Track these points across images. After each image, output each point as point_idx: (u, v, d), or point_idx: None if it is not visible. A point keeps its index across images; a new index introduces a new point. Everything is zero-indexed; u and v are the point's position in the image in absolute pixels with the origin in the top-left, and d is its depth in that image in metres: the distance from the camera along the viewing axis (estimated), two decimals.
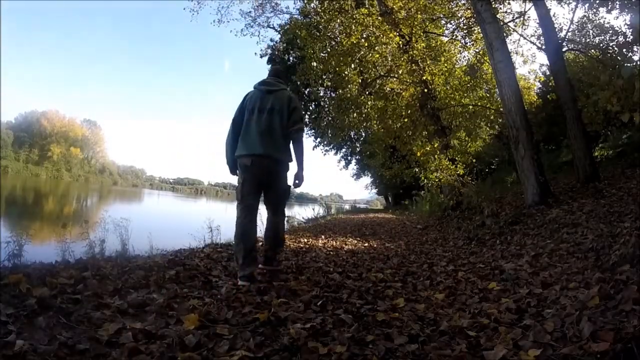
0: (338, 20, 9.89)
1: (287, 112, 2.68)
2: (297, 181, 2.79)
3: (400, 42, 9.36)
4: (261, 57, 19.20)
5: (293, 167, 2.81)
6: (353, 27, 9.30)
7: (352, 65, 10.01)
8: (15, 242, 3.31)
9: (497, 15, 7.42)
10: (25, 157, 54.29)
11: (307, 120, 20.47)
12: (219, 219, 5.58)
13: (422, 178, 9.52)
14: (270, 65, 3.00)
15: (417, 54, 9.33)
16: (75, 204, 20.83)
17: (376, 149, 15.97)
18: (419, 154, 9.29)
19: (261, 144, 2.62)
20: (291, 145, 2.77)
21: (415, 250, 4.92)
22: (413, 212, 13.85)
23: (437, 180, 8.92)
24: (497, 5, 8.48)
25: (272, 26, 15.61)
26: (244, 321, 1.82)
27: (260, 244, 3.09)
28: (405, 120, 9.84)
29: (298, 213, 13.15)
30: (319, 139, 19.94)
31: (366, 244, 5.50)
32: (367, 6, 9.84)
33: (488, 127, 10.51)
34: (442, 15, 9.85)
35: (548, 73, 10.24)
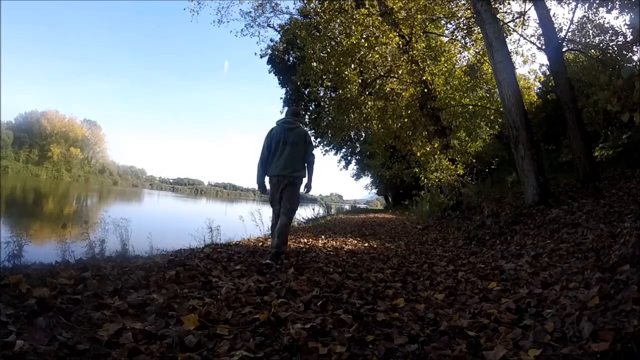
0: (338, 21, 9.88)
1: (304, 145, 3.77)
2: (306, 188, 3.91)
3: (400, 42, 9.36)
4: (261, 57, 19.26)
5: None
6: (353, 27, 9.29)
7: (352, 66, 9.99)
8: (15, 242, 3.32)
9: (497, 15, 7.41)
10: (25, 157, 54.18)
11: (307, 120, 20.58)
12: (219, 219, 5.59)
13: (422, 178, 9.51)
14: (287, 108, 4.39)
15: (417, 54, 9.32)
16: (75, 204, 20.83)
17: (376, 149, 15.95)
18: (419, 154, 9.28)
19: (285, 167, 3.69)
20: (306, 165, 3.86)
21: (415, 251, 4.92)
22: (413, 212, 13.85)
23: (437, 180, 8.91)
24: (497, 5, 8.48)
25: (272, 26, 15.56)
26: (244, 321, 1.82)
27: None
28: (405, 120, 9.83)
29: (298, 213, 13.13)
30: (319, 139, 19.93)
31: (366, 244, 5.50)
32: (367, 6, 9.81)
33: (488, 127, 10.51)
34: (442, 16, 9.84)
35: (548, 73, 10.25)
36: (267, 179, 3.82)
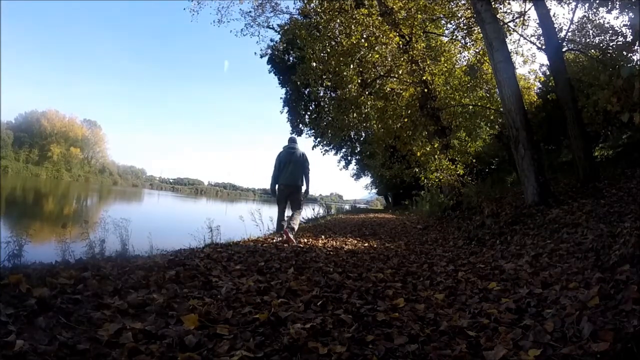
0: (338, 20, 9.88)
1: (302, 162, 5.35)
2: (305, 194, 5.45)
3: (400, 42, 9.36)
4: (261, 57, 19.26)
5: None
6: (353, 27, 9.29)
7: (352, 66, 9.99)
8: (15, 242, 3.32)
9: (497, 15, 7.41)
10: (25, 157, 54.16)
11: (307, 120, 20.61)
12: (219, 219, 5.59)
13: (422, 178, 9.51)
14: (289, 137, 5.85)
15: (417, 54, 9.32)
16: (75, 204, 20.83)
17: (376, 149, 15.96)
18: (419, 154, 9.29)
19: (289, 178, 5.29)
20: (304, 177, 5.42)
21: (415, 251, 4.92)
22: (413, 212, 13.85)
23: (437, 180, 8.91)
24: (497, 5, 8.48)
25: (271, 27, 15.55)
26: (244, 321, 1.82)
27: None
28: (405, 120, 9.84)
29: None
30: (319, 139, 19.93)
31: (366, 244, 5.50)
32: (367, 6, 9.82)
33: (488, 127, 10.50)
34: (442, 15, 9.84)
35: (548, 73, 10.24)
36: (276, 186, 5.37)
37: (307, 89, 17.11)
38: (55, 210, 15.74)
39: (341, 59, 9.62)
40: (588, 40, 8.54)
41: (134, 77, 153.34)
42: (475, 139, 10.68)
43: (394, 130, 10.31)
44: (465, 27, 9.61)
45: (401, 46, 9.42)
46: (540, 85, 11.29)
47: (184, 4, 19.76)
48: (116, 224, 4.43)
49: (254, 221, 6.95)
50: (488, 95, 9.62)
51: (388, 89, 10.41)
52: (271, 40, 19.23)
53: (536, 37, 8.59)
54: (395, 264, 3.79)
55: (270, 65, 20.57)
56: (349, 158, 26.41)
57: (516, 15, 9.05)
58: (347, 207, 29.81)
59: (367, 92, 10.87)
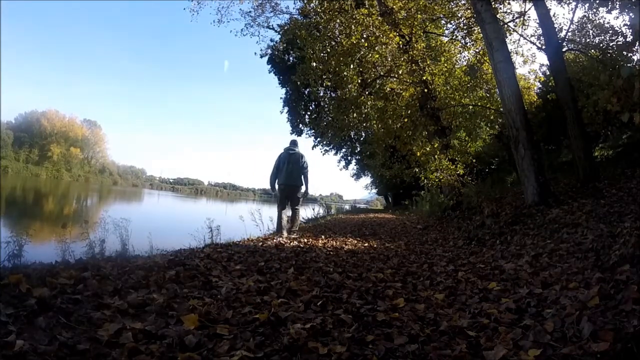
0: (338, 20, 9.87)
1: (300, 164, 5.76)
2: (305, 194, 5.92)
3: (400, 42, 9.36)
4: (261, 57, 19.24)
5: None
6: (353, 27, 9.29)
7: (352, 66, 9.98)
8: (15, 242, 3.32)
9: (497, 15, 7.41)
10: (25, 157, 54.15)
11: (307, 120, 20.63)
12: (219, 219, 5.59)
13: (422, 178, 9.51)
14: (290, 140, 6.22)
15: (417, 54, 9.32)
16: (75, 204, 20.82)
17: (376, 149, 15.95)
18: (418, 154, 9.28)
19: (288, 178, 5.71)
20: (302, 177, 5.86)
21: (415, 251, 4.92)
22: (413, 212, 13.85)
23: (437, 180, 8.91)
24: (497, 5, 8.47)
25: (271, 27, 15.54)
26: (244, 321, 1.82)
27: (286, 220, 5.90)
28: (405, 120, 9.83)
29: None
30: (318, 139, 19.92)
31: (366, 244, 5.49)
32: (367, 6, 9.81)
33: (488, 127, 10.50)
34: (442, 15, 9.84)
35: (548, 73, 10.24)
36: (276, 186, 5.79)
37: (307, 89, 17.10)
38: (55, 210, 15.74)
39: (341, 59, 9.62)
40: (588, 40, 8.53)
41: (134, 77, 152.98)
42: (475, 139, 10.68)
43: (394, 130, 10.30)
44: (465, 27, 9.61)
45: (401, 46, 9.42)
46: (540, 85, 11.29)
47: (184, 4, 19.79)
48: (116, 224, 4.43)
49: (254, 221, 6.96)
50: (488, 95, 9.62)
51: (388, 89, 10.40)
52: (271, 40, 19.23)
53: (536, 37, 8.58)
54: (395, 264, 3.79)
55: (270, 65, 20.57)
56: (349, 158, 26.41)
57: (516, 15, 9.05)
58: (347, 207, 29.79)
59: (367, 92, 10.86)
